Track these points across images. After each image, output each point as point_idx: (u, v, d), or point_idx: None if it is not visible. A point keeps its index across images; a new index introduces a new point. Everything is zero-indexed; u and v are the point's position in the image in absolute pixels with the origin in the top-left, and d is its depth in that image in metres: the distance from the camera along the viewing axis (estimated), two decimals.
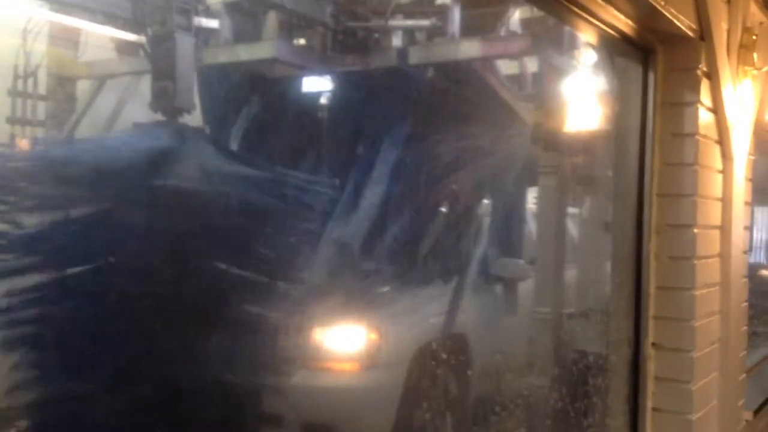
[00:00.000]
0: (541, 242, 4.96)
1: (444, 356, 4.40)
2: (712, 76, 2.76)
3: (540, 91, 4.93)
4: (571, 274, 4.71)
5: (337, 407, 3.93)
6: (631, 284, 2.88)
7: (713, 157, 2.88)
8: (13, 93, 5.59)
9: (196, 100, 4.82)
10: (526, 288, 5.04)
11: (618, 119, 2.97)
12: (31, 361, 3.41)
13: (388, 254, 4.58)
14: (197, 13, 5.11)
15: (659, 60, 2.76)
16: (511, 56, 5.16)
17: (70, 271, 3.59)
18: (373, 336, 4.07)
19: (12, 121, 5.60)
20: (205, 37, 5.29)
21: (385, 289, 4.46)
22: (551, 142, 4.73)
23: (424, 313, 4.51)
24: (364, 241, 4.53)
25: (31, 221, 3.55)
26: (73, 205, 3.65)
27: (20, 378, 3.37)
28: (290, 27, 5.30)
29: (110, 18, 5.31)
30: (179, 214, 3.73)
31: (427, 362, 4.29)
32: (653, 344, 2.80)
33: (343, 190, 4.75)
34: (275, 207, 4.15)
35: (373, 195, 4.67)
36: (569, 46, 4.77)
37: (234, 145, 5.30)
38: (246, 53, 5.21)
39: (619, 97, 2.96)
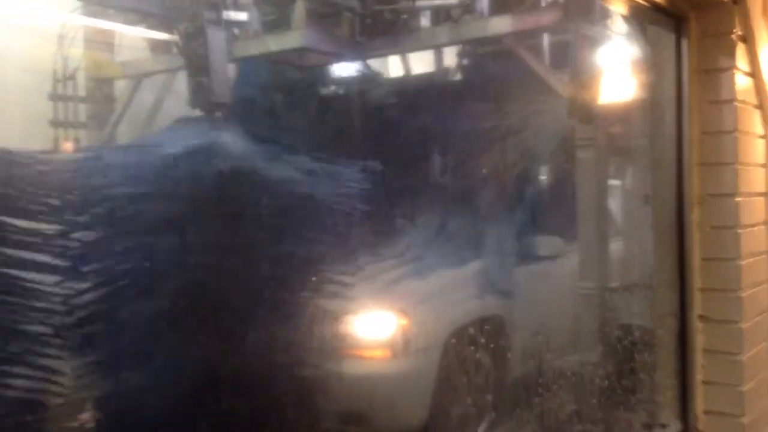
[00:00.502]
0: (582, 217, 4.91)
1: (480, 339, 4.33)
2: (748, 39, 2.69)
3: (574, 63, 4.84)
4: (613, 248, 4.64)
5: (367, 396, 3.85)
6: (675, 256, 2.84)
7: (753, 122, 2.81)
8: (54, 97, 5.73)
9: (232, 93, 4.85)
10: (567, 265, 4.98)
11: (653, 89, 2.91)
12: (94, 354, 3.50)
13: (420, 235, 4.56)
14: (226, 7, 5.16)
15: (692, 26, 2.70)
16: (543, 29, 5.07)
17: (128, 266, 3.64)
18: (404, 321, 4.00)
19: (55, 124, 5.75)
20: (234, 30, 5.34)
21: (416, 271, 4.39)
22: (587, 114, 4.65)
23: (457, 296, 4.41)
24: (397, 221, 4.51)
25: (88, 219, 3.61)
26: (124, 202, 3.70)
27: (84, 369, 3.46)
28: (318, 14, 5.30)
29: (143, 17, 5.40)
30: (225, 205, 3.77)
31: (462, 347, 4.21)
32: (700, 316, 2.76)
33: (382, 174, 4.75)
34: (316, 195, 4.17)
35: (410, 176, 4.67)
36: (601, 15, 4.67)
37: (272, 135, 5.33)
38: (275, 44, 5.23)
39: (652, 66, 2.90)
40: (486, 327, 4.35)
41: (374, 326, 4.01)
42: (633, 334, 3.25)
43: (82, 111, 5.97)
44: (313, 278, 3.96)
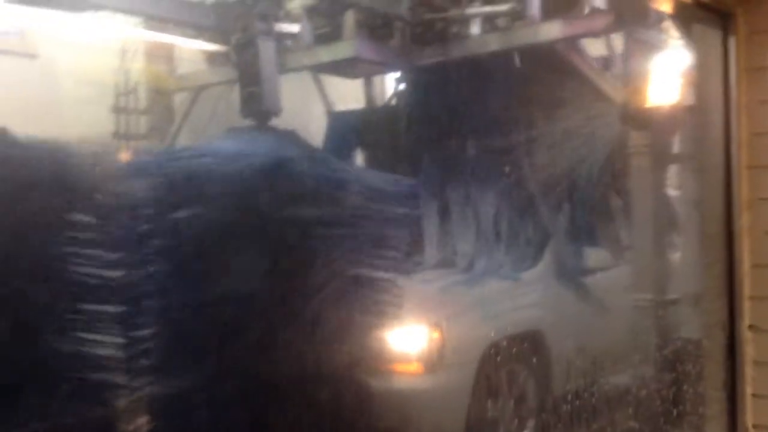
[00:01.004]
0: (638, 226, 4.76)
1: (518, 355, 4.15)
2: None
3: (626, 68, 4.72)
4: (668, 257, 4.47)
5: (399, 411, 3.73)
6: (723, 263, 2.71)
7: None
8: (117, 110, 5.96)
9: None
10: (616, 277, 4.79)
11: (699, 90, 2.81)
12: (153, 353, 3.57)
13: (459, 245, 4.48)
14: (278, 19, 5.26)
15: (739, 23, 2.59)
16: (595, 35, 4.97)
17: (184, 268, 3.70)
18: (437, 335, 3.86)
19: (117, 136, 5.98)
20: (287, 41, 5.43)
21: (450, 283, 4.25)
22: (641, 120, 4.53)
23: (493, 309, 4.22)
24: (439, 232, 4.46)
25: (146, 226, 3.70)
26: (180, 208, 3.77)
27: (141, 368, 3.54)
28: (369, 25, 5.34)
29: (199, 31, 5.56)
30: (274, 213, 3.81)
31: (498, 362, 4.04)
32: (750, 326, 2.63)
33: (430, 183, 4.73)
34: (363, 205, 4.17)
35: (457, 186, 4.63)
36: (653, 19, 4.54)
37: (321, 145, 5.39)
38: (326, 54, 5.29)
39: (698, 66, 2.80)
40: (525, 342, 4.19)
41: (406, 340, 3.88)
42: (678, 345, 3.11)
43: (143, 123, 6.19)
44: (359, 287, 3.95)
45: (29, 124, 4.75)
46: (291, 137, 4.63)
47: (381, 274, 3.92)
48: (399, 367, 3.84)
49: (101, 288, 3.41)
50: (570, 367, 4.36)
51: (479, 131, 5.21)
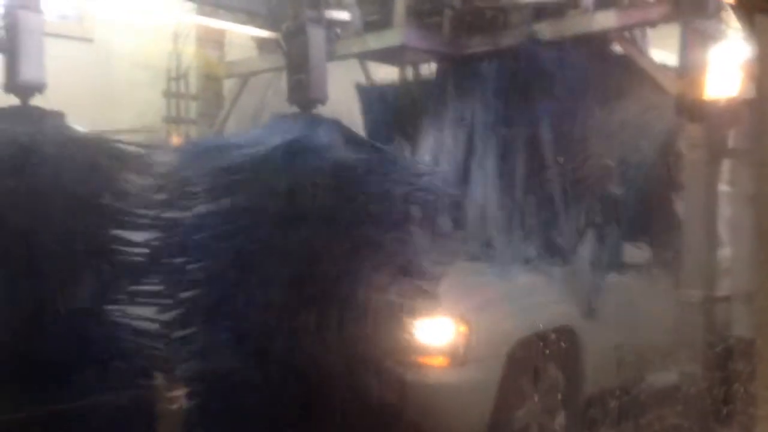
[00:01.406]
0: (689, 220, 4.64)
1: (548, 351, 4.00)
2: None
3: (683, 59, 4.60)
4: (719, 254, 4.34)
5: (422, 405, 3.63)
6: None
7: None
8: (168, 94, 6.08)
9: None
10: (656, 274, 4.64)
11: (759, 81, 2.72)
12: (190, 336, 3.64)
13: (494, 234, 4.39)
14: (329, 6, 5.26)
15: None
16: (651, 24, 4.86)
17: (220, 254, 3.75)
18: (463, 328, 3.74)
19: (167, 120, 6.09)
20: (337, 29, 5.44)
21: (483, 274, 4.11)
22: (698, 112, 4.41)
23: (523, 303, 4.08)
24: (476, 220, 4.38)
25: (187, 209, 3.77)
26: (219, 193, 3.83)
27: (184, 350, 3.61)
28: (418, 12, 5.31)
29: (251, 17, 5.61)
30: (313, 199, 3.83)
31: (526, 358, 3.92)
32: None
33: (471, 173, 4.69)
34: (402, 194, 4.15)
35: (498, 176, 4.58)
36: (713, 9, 4.41)
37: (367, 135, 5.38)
38: (375, 42, 5.28)
39: (759, 57, 2.71)
40: (556, 339, 4.06)
41: (430, 332, 3.78)
42: (730, 343, 3.03)
43: (193, 108, 6.29)
44: (391, 278, 3.92)
45: (85, 108, 4.88)
46: (335, 126, 4.62)
47: (424, 263, 3.90)
48: (423, 360, 3.74)
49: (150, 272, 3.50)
50: (606, 364, 4.25)
51: (525, 121, 5.13)
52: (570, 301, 4.24)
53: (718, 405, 3.07)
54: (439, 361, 3.75)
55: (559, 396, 4.16)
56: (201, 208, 3.73)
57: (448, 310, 3.79)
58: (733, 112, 4.25)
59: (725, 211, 4.38)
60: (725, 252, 4.33)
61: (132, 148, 3.60)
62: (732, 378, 2.93)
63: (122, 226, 3.48)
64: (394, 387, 3.64)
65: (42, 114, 3.35)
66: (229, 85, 6.43)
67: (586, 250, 4.45)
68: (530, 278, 4.29)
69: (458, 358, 3.73)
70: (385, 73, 6.22)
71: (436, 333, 3.77)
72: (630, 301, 4.46)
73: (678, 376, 4.10)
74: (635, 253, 4.65)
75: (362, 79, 6.27)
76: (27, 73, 3.30)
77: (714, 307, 4.16)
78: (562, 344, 4.11)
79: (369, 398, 3.62)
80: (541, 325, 4.02)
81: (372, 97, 6.03)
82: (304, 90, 4.55)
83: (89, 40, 5.95)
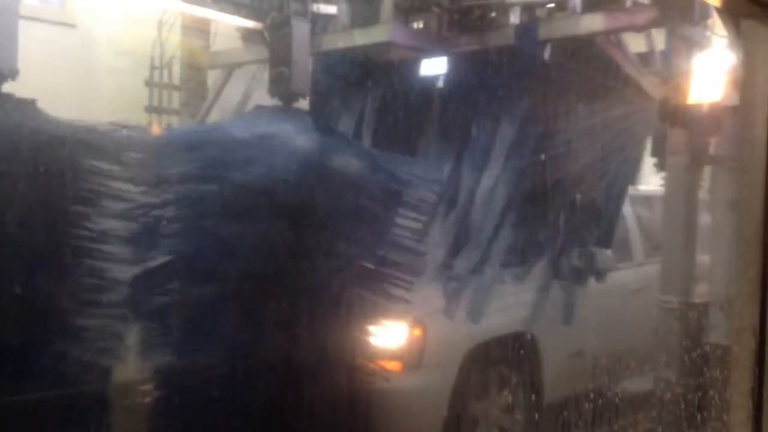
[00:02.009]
0: (669, 226, 4.65)
1: (505, 357, 3.93)
2: None
3: (668, 65, 4.61)
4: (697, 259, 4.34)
5: (374, 410, 3.59)
6: (758, 266, 2.63)
7: None
8: (150, 83, 5.97)
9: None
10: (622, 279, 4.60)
11: (744, 88, 2.71)
12: (160, 333, 3.60)
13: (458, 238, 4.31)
14: (316, 0, 5.22)
15: None
16: (638, 29, 4.85)
17: (197, 247, 3.71)
18: (418, 332, 3.66)
19: (149, 109, 5.99)
20: (323, 23, 5.40)
21: (435, 279, 4.01)
22: (681, 118, 4.41)
23: (484, 307, 3.96)
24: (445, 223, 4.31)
25: (160, 199, 3.72)
26: (195, 183, 3.78)
27: (152, 346, 3.57)
28: (406, 9, 5.28)
29: (237, 7, 5.54)
30: (289, 195, 3.79)
31: (482, 363, 3.84)
32: None
33: (456, 174, 4.65)
34: (384, 192, 4.12)
35: (484, 180, 4.54)
36: (699, 15, 4.42)
37: (348, 131, 5.33)
38: (362, 38, 5.24)
39: (745, 63, 2.70)
40: (514, 345, 3.98)
41: (384, 335, 3.70)
42: (706, 349, 3.03)
43: (176, 98, 6.20)
44: (368, 279, 3.87)
45: (66, 94, 4.79)
46: (314, 119, 4.57)
47: (392, 267, 3.84)
48: (378, 364, 3.67)
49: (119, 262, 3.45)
50: (569, 370, 4.18)
51: (504, 122, 5.10)
52: (533, 306, 4.13)
53: (693, 411, 3.06)
54: (391, 365, 3.65)
55: (517, 402, 4.08)
56: (173, 199, 3.69)
57: (402, 313, 3.71)
58: (715, 118, 4.26)
59: (704, 217, 4.40)
60: (703, 258, 4.34)
61: (108, 137, 3.54)
62: (707, 384, 2.92)
63: (93, 215, 3.44)
64: (358, 387, 3.59)
65: (12, 101, 3.26)
66: (213, 76, 6.35)
67: (560, 254, 4.40)
68: (496, 282, 4.20)
69: (412, 362, 3.64)
70: None
71: (389, 336, 3.68)
72: (605, 306, 4.41)
73: (653, 382, 4.11)
74: (610, 257, 4.60)
75: None
76: None
77: (691, 312, 4.17)
78: (521, 350, 4.03)
79: (337, 396, 3.57)
80: (499, 331, 3.95)
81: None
82: (285, 82, 4.53)
83: (72, 26, 5.84)
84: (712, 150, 4.36)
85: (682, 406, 3.25)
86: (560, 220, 4.54)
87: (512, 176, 4.54)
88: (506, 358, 3.98)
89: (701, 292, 4.23)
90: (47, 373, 3.22)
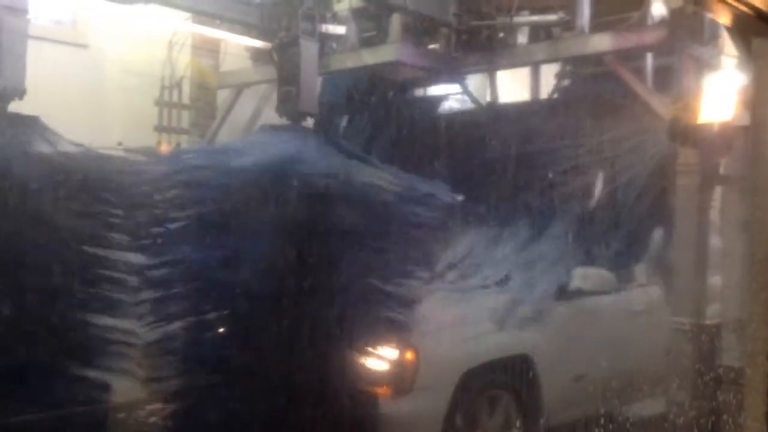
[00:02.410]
0: (680, 247, 4.60)
1: (501, 381, 3.79)
2: None
3: (677, 84, 4.58)
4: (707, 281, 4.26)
5: None
6: None
7: None
8: (160, 102, 6.02)
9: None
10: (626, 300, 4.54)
11: (755, 107, 2.69)
12: (170, 352, 3.58)
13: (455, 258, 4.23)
14: (325, 20, 5.25)
15: None
16: (646, 49, 4.85)
17: (204, 267, 3.69)
18: (410, 355, 3.51)
19: (159, 129, 6.03)
20: (332, 42, 5.42)
21: (433, 299, 3.87)
22: (691, 137, 4.38)
23: (480, 328, 3.84)
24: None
25: (169, 219, 3.72)
26: (204, 203, 3.78)
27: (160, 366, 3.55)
28: (414, 29, 5.30)
29: (247, 27, 5.58)
30: (300, 211, 3.77)
31: (477, 387, 3.69)
32: None
33: (464, 193, 4.63)
34: (390, 209, 4.09)
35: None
36: (709, 35, 4.40)
37: (356, 147, 5.32)
38: (370, 57, 5.27)
39: (756, 82, 2.68)
40: (510, 368, 3.82)
41: (374, 359, 3.56)
42: (719, 372, 2.97)
43: (186, 117, 6.24)
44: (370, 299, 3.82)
45: (77, 113, 4.82)
46: (323, 137, 4.56)
47: (396, 287, 3.79)
48: (368, 389, 3.53)
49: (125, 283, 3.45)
50: (566, 392, 4.03)
51: (510, 143, 5.09)
52: (528, 328, 3.99)
53: None
54: (381, 390, 3.51)
55: (515, 427, 3.94)
56: (183, 219, 3.69)
57: (393, 337, 3.60)
58: (726, 138, 4.22)
59: (716, 237, 4.34)
60: (715, 279, 4.28)
61: (116, 158, 3.55)
62: (720, 408, 2.86)
63: (103, 236, 3.44)
64: (346, 412, 3.50)
65: (18, 120, 3.27)
66: (222, 96, 6.38)
67: (556, 275, 4.30)
68: (495, 302, 4.05)
69: (402, 387, 3.50)
70: None
71: (379, 360, 3.56)
72: (591, 329, 4.27)
73: (666, 405, 4.03)
74: (594, 279, 4.46)
75: None
76: (6, 77, 3.21)
77: (703, 334, 4.10)
78: (519, 373, 3.89)
79: (340, 417, 3.52)
80: (495, 353, 3.81)
81: None
82: (293, 101, 4.53)
83: (83, 46, 5.89)
84: (722, 170, 4.31)
85: (695, 430, 3.18)
86: (566, 237, 4.46)
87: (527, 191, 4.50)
88: (503, 381, 3.84)
89: (713, 313, 4.17)
90: (61, 390, 3.21)
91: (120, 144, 3.85)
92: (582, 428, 3.85)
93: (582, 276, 4.35)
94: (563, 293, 4.24)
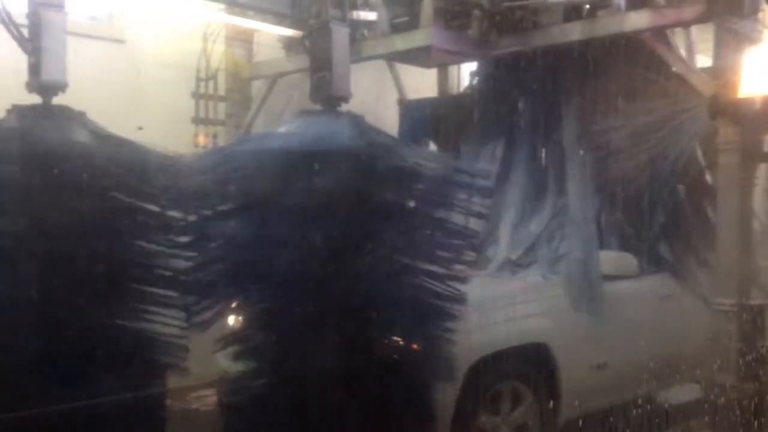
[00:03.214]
0: (722, 226, 4.50)
1: (514, 371, 3.68)
2: None
3: (718, 60, 4.46)
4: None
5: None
6: None
7: None
8: (196, 95, 6.09)
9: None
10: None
11: None
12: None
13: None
14: (354, 6, 5.24)
15: None
16: (685, 24, 4.73)
17: (244, 257, 3.72)
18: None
19: (196, 121, 6.11)
20: (363, 29, 5.41)
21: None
22: (732, 114, 4.27)
23: (496, 316, 3.70)
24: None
25: (208, 211, 3.74)
26: (243, 193, 3.79)
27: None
28: (446, 13, 5.25)
29: (279, 17, 5.61)
30: (337, 195, 3.75)
31: (488, 377, 3.58)
32: None
33: (499, 175, 4.60)
34: (429, 192, 4.06)
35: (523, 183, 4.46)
36: (749, 8, 4.27)
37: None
38: (402, 43, 5.24)
39: None
40: (525, 357, 3.71)
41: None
42: (763, 352, 2.91)
43: (221, 109, 6.30)
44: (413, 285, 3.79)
45: (115, 108, 4.91)
46: (357, 121, 4.54)
47: (440, 270, 3.76)
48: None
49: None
50: (585, 384, 3.94)
51: (551, 124, 5.02)
52: (546, 316, 3.88)
53: (749, 417, 2.94)
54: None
55: (531, 419, 3.85)
56: (223, 212, 3.72)
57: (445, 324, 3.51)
58: (764, 112, 4.11)
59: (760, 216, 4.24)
60: (760, 258, 4.18)
61: (156, 150, 3.59)
62: (764, 389, 2.80)
63: (146, 228, 3.49)
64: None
65: (66, 113, 3.35)
66: (257, 86, 6.43)
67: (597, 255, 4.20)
68: (515, 288, 3.97)
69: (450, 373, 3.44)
70: None
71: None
72: (611, 316, 4.17)
73: (707, 387, 3.97)
74: (615, 262, 4.38)
75: None
76: (49, 72, 3.28)
77: (747, 314, 4.02)
78: (534, 362, 3.78)
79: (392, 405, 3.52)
80: (510, 341, 3.69)
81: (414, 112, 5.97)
82: (326, 87, 4.51)
83: (120, 41, 5.99)
84: (766, 147, 4.20)
85: (738, 411, 3.12)
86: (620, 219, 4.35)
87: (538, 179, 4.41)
88: (517, 371, 3.74)
89: (757, 293, 4.08)
90: (116, 376, 3.27)
91: (140, 128, 3.88)
92: (610, 418, 3.78)
93: (604, 260, 4.26)
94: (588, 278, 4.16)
